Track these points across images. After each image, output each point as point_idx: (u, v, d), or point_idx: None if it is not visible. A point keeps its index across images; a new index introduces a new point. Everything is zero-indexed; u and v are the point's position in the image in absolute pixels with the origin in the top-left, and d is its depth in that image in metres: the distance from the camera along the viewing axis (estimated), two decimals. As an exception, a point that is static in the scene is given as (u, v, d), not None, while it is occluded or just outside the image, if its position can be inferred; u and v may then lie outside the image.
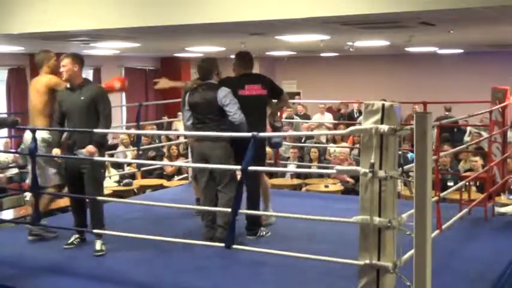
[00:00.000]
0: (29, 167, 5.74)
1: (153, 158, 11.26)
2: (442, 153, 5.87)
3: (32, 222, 5.62)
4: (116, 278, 4.85)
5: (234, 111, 5.54)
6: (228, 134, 5.24)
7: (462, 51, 15.05)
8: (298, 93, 19.14)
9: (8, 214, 8.35)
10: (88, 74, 16.01)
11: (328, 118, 14.74)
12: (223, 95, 5.60)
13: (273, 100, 6.21)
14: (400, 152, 3.80)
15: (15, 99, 14.03)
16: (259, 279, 4.82)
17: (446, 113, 13.68)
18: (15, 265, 5.19)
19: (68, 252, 5.50)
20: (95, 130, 5.23)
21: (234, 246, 4.43)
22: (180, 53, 14.70)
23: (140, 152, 9.04)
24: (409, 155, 9.23)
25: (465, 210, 5.85)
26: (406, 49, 13.86)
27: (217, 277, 4.87)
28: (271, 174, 10.83)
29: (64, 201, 8.83)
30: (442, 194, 5.43)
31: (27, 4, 6.82)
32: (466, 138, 11.73)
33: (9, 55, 13.24)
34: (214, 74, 5.85)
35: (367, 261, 3.67)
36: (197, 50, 13.51)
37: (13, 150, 12.33)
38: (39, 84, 5.89)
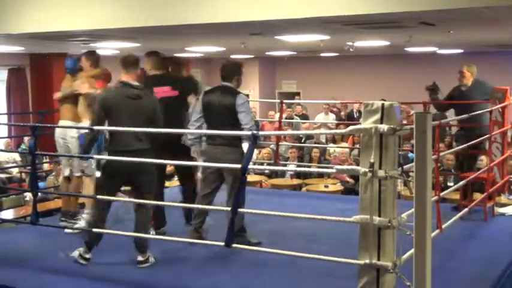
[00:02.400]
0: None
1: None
2: (442, 153, 5.86)
3: (32, 221, 5.61)
4: (115, 278, 4.85)
5: (246, 122, 5.45)
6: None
7: (462, 51, 15.04)
8: (298, 93, 19.14)
9: (8, 214, 8.35)
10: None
11: (332, 118, 14.69)
12: (241, 102, 5.50)
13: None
14: (400, 152, 3.80)
15: (15, 99, 14.03)
16: (259, 279, 4.82)
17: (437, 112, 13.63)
18: (15, 265, 5.18)
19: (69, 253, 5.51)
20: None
21: (234, 245, 4.43)
22: (180, 53, 14.68)
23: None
24: (410, 154, 9.24)
25: (465, 210, 5.85)
26: (406, 49, 13.86)
27: (217, 277, 4.87)
28: (271, 174, 10.85)
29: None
30: (442, 194, 5.43)
31: (27, 4, 6.82)
32: None
33: (10, 55, 13.24)
34: (235, 79, 5.71)
35: (367, 261, 3.67)
36: (197, 50, 13.50)
37: (13, 150, 12.39)
38: None
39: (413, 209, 3.39)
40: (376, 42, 11.07)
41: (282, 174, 10.89)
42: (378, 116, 3.63)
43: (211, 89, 5.82)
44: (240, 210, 4.42)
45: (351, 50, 12.05)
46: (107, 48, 11.43)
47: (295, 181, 10.43)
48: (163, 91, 5.92)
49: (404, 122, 9.34)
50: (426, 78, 16.29)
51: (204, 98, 5.72)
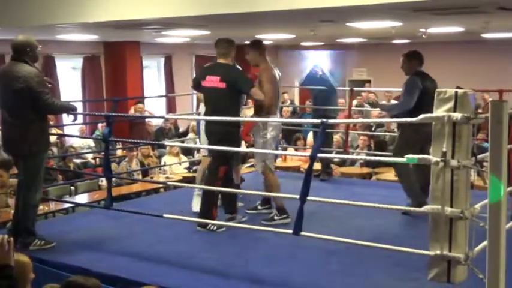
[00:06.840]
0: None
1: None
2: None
3: (106, 206, 5.77)
4: (184, 263, 4.92)
5: None
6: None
7: (544, 37, 14.50)
8: (368, 81, 18.90)
9: (83, 198, 8.62)
10: (159, 61, 16.27)
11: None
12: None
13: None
14: (475, 142, 3.71)
15: (90, 86, 14.42)
16: (327, 268, 4.80)
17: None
18: (90, 248, 5.35)
19: (142, 237, 5.64)
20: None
21: (302, 233, 4.42)
22: (249, 40, 14.73)
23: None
24: (485, 144, 8.98)
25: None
26: (482, 35, 13.45)
27: (285, 265, 4.88)
28: (340, 163, 10.76)
29: (137, 186, 9.10)
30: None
31: (102, -7, 6.99)
32: None
33: (85, 43, 13.60)
34: None
35: (438, 252, 3.60)
36: (267, 38, 13.50)
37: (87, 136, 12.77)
38: None
39: (487, 200, 3.30)
40: (450, 28, 10.79)
41: (351, 163, 10.79)
42: (451, 104, 3.55)
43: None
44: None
45: (423, 36, 11.79)
46: (178, 37, 11.60)
47: (365, 170, 10.31)
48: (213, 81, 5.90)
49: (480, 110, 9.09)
50: (504, 66, 15.65)
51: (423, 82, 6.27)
